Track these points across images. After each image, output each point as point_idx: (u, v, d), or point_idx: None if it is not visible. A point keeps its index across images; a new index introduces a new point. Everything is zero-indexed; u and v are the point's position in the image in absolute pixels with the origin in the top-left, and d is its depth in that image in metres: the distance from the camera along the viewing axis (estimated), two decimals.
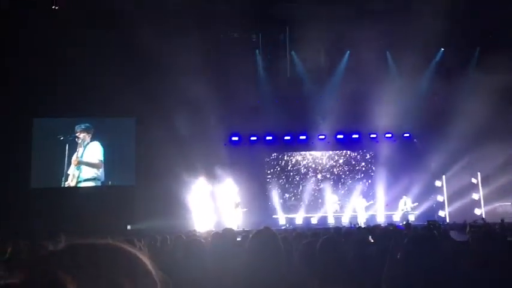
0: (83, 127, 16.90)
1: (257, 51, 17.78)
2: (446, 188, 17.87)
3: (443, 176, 17.90)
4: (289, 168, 18.90)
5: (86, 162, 16.85)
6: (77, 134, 16.81)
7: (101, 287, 0.77)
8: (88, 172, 16.87)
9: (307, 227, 14.58)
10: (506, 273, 2.89)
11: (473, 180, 17.85)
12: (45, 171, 16.62)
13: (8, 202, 14.52)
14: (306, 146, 18.57)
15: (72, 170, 16.71)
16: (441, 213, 17.81)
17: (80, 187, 16.64)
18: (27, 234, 8.45)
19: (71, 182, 16.64)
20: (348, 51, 17.82)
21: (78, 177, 16.74)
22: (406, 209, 16.99)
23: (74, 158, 16.74)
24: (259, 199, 17.49)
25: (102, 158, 16.89)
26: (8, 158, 15.26)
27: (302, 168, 18.93)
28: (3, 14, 14.61)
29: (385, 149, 18.03)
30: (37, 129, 16.82)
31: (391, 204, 17.53)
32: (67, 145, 16.69)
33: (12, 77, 15.30)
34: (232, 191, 16.63)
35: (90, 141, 16.94)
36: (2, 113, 15.15)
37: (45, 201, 15.26)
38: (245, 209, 16.30)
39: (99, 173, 16.92)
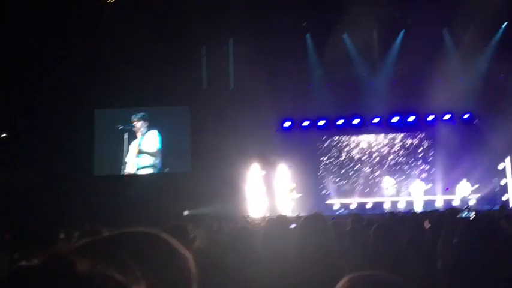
0: (139, 116, 17.48)
1: (307, 34, 17.54)
2: (511, 171, 16.97)
3: (507, 159, 17.00)
4: (342, 152, 18.65)
5: (145, 150, 17.46)
6: (134, 123, 17.42)
7: (131, 277, 0.78)
8: (146, 160, 17.48)
9: (362, 212, 14.39)
10: None
11: None
12: (106, 159, 17.41)
13: (73, 189, 15.33)
14: (360, 129, 18.21)
15: (131, 158, 17.37)
16: (504, 198, 16.97)
17: (138, 174, 17.29)
18: (90, 219, 8.88)
19: (130, 170, 17.34)
20: (403, 31, 17.19)
21: (137, 164, 17.40)
22: (466, 194, 16.30)
23: (134, 146, 17.39)
24: (312, 184, 17.44)
25: (159, 146, 17.43)
26: (72, 147, 16.09)
27: (356, 152, 18.63)
28: (73, 7, 15.20)
29: (443, 131, 17.34)
30: (98, 119, 17.62)
31: (451, 188, 16.89)
32: (126, 134, 17.35)
33: (75, 70, 16.03)
34: (286, 177, 16.68)
35: (148, 130, 17.52)
36: (66, 104, 15.94)
37: (107, 188, 15.99)
38: (300, 194, 16.31)
39: (157, 160, 17.49)
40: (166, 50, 15.03)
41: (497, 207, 14.77)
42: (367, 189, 17.96)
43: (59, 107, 15.92)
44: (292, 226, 5.17)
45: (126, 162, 17.34)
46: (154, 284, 0.80)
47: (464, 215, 10.17)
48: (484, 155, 16.67)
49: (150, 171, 17.46)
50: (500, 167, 17.21)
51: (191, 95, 15.82)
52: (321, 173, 18.16)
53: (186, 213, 15.51)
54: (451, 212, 4.10)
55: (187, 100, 16.81)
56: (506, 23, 16.78)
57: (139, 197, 15.00)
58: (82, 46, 15.75)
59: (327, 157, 18.55)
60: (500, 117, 16.05)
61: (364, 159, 18.46)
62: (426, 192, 16.95)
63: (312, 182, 17.48)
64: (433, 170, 17.70)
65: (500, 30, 16.95)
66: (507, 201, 16.72)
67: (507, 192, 16.99)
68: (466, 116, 17.57)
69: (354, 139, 18.69)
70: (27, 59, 15.49)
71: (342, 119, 17.99)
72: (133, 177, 17.14)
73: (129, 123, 17.43)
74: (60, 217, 11.58)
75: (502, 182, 17.14)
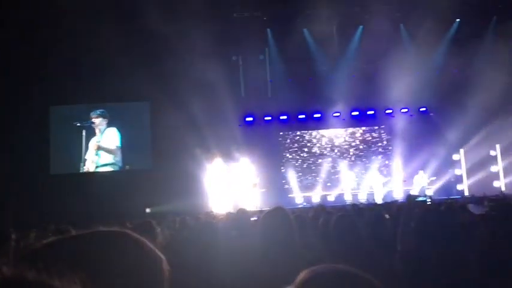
0: (98, 113, 17.10)
1: (268, 30, 17.59)
2: (465, 161, 17.67)
3: (461, 150, 17.69)
4: (304, 146, 18.86)
5: (104, 147, 17.09)
6: (92, 120, 17.01)
7: (103, 277, 0.76)
8: (106, 157, 17.13)
9: (323, 205, 14.59)
10: None
11: (492, 153, 17.59)
12: (63, 157, 16.92)
13: (29, 188, 14.84)
14: (321, 123, 18.47)
15: (90, 156, 16.97)
16: (459, 187, 17.66)
17: (98, 172, 16.93)
18: (49, 219, 8.63)
19: (89, 168, 16.94)
20: (361, 26, 17.52)
21: (97, 162, 17.02)
22: (423, 184, 16.85)
23: (92, 143, 17.00)
24: (275, 179, 17.57)
25: (119, 144, 17.12)
26: (27, 145, 15.56)
27: (318, 146, 18.89)
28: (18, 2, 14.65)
29: (401, 124, 17.84)
30: (54, 116, 17.10)
31: (409, 180, 17.41)
32: (84, 131, 16.93)
33: (28, 67, 15.47)
34: (248, 172, 16.72)
35: (107, 127, 17.16)
36: (20, 102, 15.38)
37: (65, 187, 15.57)
38: (263, 189, 16.39)
39: (117, 158, 17.17)
40: (125, 44, 14.69)
41: (453, 196, 15.36)
42: (329, 182, 18.25)
43: (13, 104, 15.34)
44: (253, 219, 5.19)
45: (86, 160, 16.93)
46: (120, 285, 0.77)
47: (421, 199, 10.51)
48: (439, 146, 17.31)
49: (109, 169, 17.12)
50: (455, 158, 17.88)
51: (151, 90, 15.57)
52: (284, 167, 18.31)
53: (148, 210, 15.30)
54: (409, 197, 4.22)
55: (147, 96, 16.54)
56: (459, 20, 17.39)
57: (100, 195, 14.68)
58: (37, 40, 15.20)
59: (289, 151, 18.71)
60: (454, 110, 16.70)
61: (325, 153, 18.74)
62: (385, 184, 17.41)
63: (275, 176, 17.61)
64: (391, 162, 18.18)
65: (454, 26, 17.55)
66: (462, 190, 17.40)
67: (462, 182, 17.67)
68: (423, 109, 18.14)
69: (315, 133, 18.93)
70: None
71: (303, 113, 18.18)
72: (92, 175, 16.76)
73: (88, 120, 17.01)
74: (17, 217, 11.20)
75: (457, 172, 17.82)
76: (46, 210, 13.11)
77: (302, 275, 0.89)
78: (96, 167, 17.02)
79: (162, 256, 0.89)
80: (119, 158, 17.18)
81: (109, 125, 17.19)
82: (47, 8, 14.68)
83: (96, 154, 17.03)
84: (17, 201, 14.03)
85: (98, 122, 17.09)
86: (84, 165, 16.92)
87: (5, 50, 14.89)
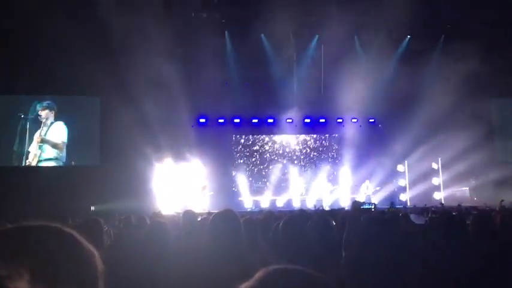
0: (45, 105, 16.46)
1: (226, 32, 17.58)
2: (408, 172, 18.36)
3: (406, 161, 18.37)
4: (256, 150, 18.96)
5: (49, 141, 16.45)
6: (39, 112, 16.34)
7: (36, 271, 0.73)
8: (50, 152, 16.49)
9: (273, 210, 14.70)
10: (459, 254, 3.01)
11: (434, 166, 18.39)
12: (4, 149, 16.14)
13: None
14: (274, 129, 18.65)
15: (33, 149, 16.29)
16: (402, 197, 18.32)
17: (41, 167, 16.26)
18: None
19: (32, 161, 16.24)
20: (317, 35, 17.85)
21: (40, 156, 16.35)
22: (368, 193, 17.36)
23: (36, 135, 16.32)
24: (225, 181, 17.53)
25: (65, 140, 16.57)
26: None
27: (269, 151, 19.04)
28: None
29: (350, 134, 18.32)
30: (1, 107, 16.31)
31: (355, 189, 17.88)
32: (28, 123, 16.23)
33: None
34: (198, 173, 16.58)
35: (54, 120, 16.53)
36: None
37: (5, 180, 14.84)
38: (211, 193, 16.31)
39: (62, 153, 16.57)
40: (79, 35, 14.21)
41: (396, 206, 15.92)
42: (278, 187, 18.42)
43: None
44: (199, 219, 5.16)
45: (29, 153, 16.24)
46: (52, 279, 0.74)
47: (366, 206, 10.85)
48: (386, 157, 17.91)
49: (53, 164, 16.48)
50: (400, 169, 18.55)
51: (103, 85, 15.15)
52: (234, 170, 18.31)
53: (93, 208, 14.84)
54: (354, 204, 4.33)
55: (99, 91, 16.08)
56: (409, 36, 18.10)
57: (42, 190, 14.10)
58: None
59: (240, 155, 18.75)
60: (401, 122, 17.34)
61: (276, 158, 18.92)
62: (333, 192, 17.80)
63: (225, 179, 17.57)
64: (339, 171, 18.59)
65: (404, 42, 18.24)
66: (405, 201, 18.06)
67: (405, 192, 18.35)
68: (371, 120, 18.71)
69: (268, 138, 19.08)
70: None
71: (256, 118, 18.28)
72: (35, 169, 16.07)
73: (34, 112, 16.32)
74: None
75: (401, 183, 18.49)
76: None
77: (256, 276, 0.89)
78: (39, 161, 16.34)
79: (95, 251, 0.86)
80: (63, 153, 16.58)
81: (56, 118, 16.57)
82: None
83: (40, 148, 16.35)
84: None
85: (45, 114, 16.45)
86: (27, 158, 16.21)
87: None
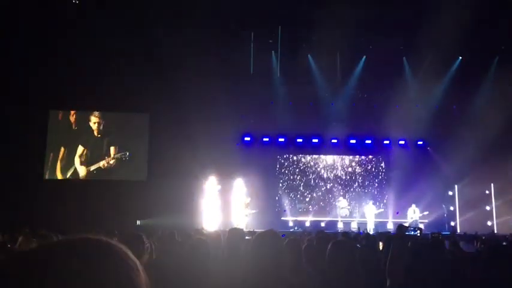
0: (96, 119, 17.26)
1: (273, 52, 17.76)
2: (459, 197, 17.67)
3: (456, 186, 17.71)
4: (300, 170, 18.86)
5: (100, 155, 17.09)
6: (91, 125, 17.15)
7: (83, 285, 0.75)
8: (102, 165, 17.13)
9: (316, 231, 14.50)
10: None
11: (487, 191, 17.62)
12: (59, 163, 16.88)
13: (22, 193, 14.72)
14: (318, 149, 18.51)
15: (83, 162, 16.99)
16: (452, 223, 17.62)
17: (90, 180, 16.84)
18: (38, 225, 8.56)
19: (81, 174, 16.92)
20: (365, 56, 17.72)
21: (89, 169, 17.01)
22: (415, 218, 16.80)
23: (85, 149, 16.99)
24: (269, 200, 17.49)
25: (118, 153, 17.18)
26: (25, 149, 15.52)
27: (313, 172, 18.88)
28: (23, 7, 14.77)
29: (398, 156, 17.88)
30: (52, 121, 17.11)
31: (402, 212, 17.36)
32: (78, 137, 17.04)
33: (32, 70, 15.50)
34: (242, 191, 16.66)
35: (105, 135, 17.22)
36: (21, 103, 15.33)
37: (58, 193, 15.45)
38: (254, 211, 16.32)
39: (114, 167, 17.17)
40: (130, 53, 14.79)
41: (444, 232, 15.33)
42: (322, 208, 18.19)
43: (12, 106, 15.30)
44: (247, 238, 5.16)
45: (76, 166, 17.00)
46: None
47: (411, 232, 10.49)
48: (434, 181, 17.30)
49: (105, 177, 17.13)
50: (450, 193, 17.88)
51: (151, 102, 15.64)
52: (278, 189, 18.26)
53: (138, 222, 15.18)
54: (399, 228, 4.20)
55: (147, 107, 16.58)
56: (460, 57, 17.62)
57: (92, 203, 14.61)
58: (41, 45, 15.29)
59: (284, 174, 18.69)
60: (451, 145, 16.74)
61: (320, 179, 18.72)
62: (378, 215, 17.35)
63: (268, 197, 17.54)
64: (385, 194, 18.15)
65: (455, 64, 17.76)
66: (455, 226, 17.36)
67: (455, 219, 17.64)
68: (420, 142, 18.21)
69: (312, 158, 18.95)
70: None
71: (301, 137, 18.23)
72: (84, 182, 16.68)
73: (85, 125, 17.11)
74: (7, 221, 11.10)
75: (451, 208, 17.80)
76: (36, 216, 12.96)
77: None
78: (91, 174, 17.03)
79: (137, 262, 0.86)
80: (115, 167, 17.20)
81: (107, 133, 17.30)
82: (54, 12, 14.81)
83: (88, 161, 17.10)
84: (9, 205, 13.89)
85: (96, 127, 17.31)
86: (76, 171, 16.97)
87: (5, 51, 14.97)
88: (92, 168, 16.93)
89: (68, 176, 16.77)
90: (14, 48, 15.13)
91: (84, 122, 17.13)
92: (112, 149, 17.10)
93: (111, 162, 17.02)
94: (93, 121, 17.13)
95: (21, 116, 15.48)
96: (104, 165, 16.99)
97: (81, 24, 14.67)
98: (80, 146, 16.95)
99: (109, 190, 15.99)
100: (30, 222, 10.17)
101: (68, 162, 16.87)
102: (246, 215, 16.18)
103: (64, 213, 13.54)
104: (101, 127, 17.16)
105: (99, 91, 15.99)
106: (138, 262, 0.86)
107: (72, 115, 17.15)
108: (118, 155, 16.99)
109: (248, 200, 16.41)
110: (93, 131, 17.12)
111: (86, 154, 16.97)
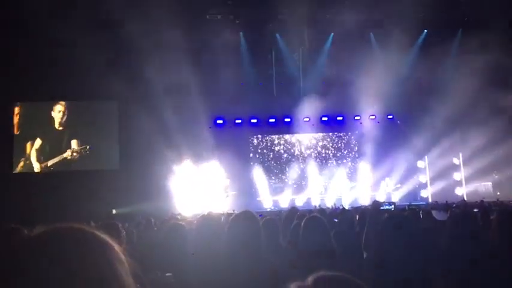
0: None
1: (241, 33, 17.61)
2: (429, 168, 18.12)
3: (426, 157, 18.14)
4: (274, 150, 18.95)
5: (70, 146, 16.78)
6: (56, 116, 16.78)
7: (70, 275, 0.77)
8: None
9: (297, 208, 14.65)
10: (479, 251, 2.96)
11: (455, 161, 18.12)
12: (29, 155, 16.49)
13: None
14: (291, 128, 18.59)
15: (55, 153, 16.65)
16: (423, 194, 18.10)
17: (63, 171, 16.53)
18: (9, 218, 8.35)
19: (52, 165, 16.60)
20: (332, 34, 17.76)
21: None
22: (388, 190, 17.20)
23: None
24: (244, 182, 17.54)
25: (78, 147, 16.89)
26: None
27: (287, 151, 19.00)
28: None
29: (369, 131, 18.15)
30: (19, 115, 16.66)
31: (375, 186, 17.72)
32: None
33: None
34: (217, 174, 16.65)
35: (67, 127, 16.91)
36: None
37: (30, 186, 15.12)
38: (234, 192, 16.37)
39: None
40: (95, 41, 14.39)
41: (416, 202, 15.75)
42: (297, 187, 18.37)
43: None
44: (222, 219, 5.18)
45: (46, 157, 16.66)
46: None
47: (385, 207, 10.73)
48: (405, 153, 17.67)
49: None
50: (420, 165, 18.32)
51: (119, 89, 15.35)
52: (253, 170, 18.30)
53: (114, 211, 15.03)
54: (374, 204, 4.29)
55: (115, 95, 16.25)
56: (426, 30, 17.85)
57: (64, 194, 14.36)
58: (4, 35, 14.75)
59: (258, 155, 18.75)
60: (420, 118, 17.10)
61: (294, 157, 18.87)
62: (352, 189, 17.67)
63: (243, 179, 17.58)
64: (358, 168, 18.45)
65: (421, 37, 17.99)
66: (426, 197, 17.84)
67: (426, 189, 18.12)
68: (390, 116, 18.50)
69: (285, 138, 19.05)
70: None
71: (273, 117, 18.26)
72: (57, 174, 16.36)
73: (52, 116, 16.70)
74: None
75: (422, 179, 18.25)
76: (7, 210, 12.64)
77: (309, 279, 0.90)
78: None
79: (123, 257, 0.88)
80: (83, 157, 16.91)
81: (75, 123, 16.95)
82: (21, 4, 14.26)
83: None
84: None
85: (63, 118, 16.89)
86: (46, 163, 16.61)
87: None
88: (50, 163, 16.57)
89: (22, 170, 16.39)
90: None
91: (44, 113, 16.70)
92: (73, 142, 16.75)
93: (74, 155, 16.69)
94: (58, 110, 16.70)
95: None
96: (67, 156, 16.66)
97: (41, 13, 14.13)
98: (37, 139, 16.54)
99: (82, 181, 15.74)
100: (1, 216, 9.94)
101: (39, 155, 16.50)
102: (227, 197, 16.24)
103: (37, 206, 13.27)
104: (65, 118, 16.77)
105: (62, 81, 15.55)
106: (120, 248, 0.88)
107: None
108: (78, 149, 16.64)
109: (227, 181, 16.45)
110: (54, 122, 16.70)
111: (43, 148, 16.57)
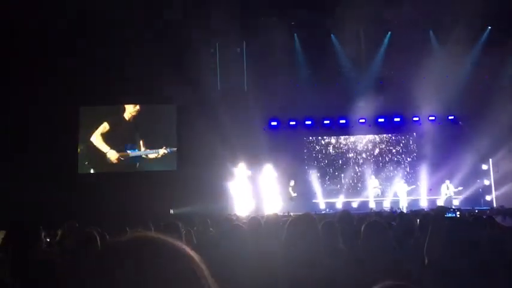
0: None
1: (295, 34, 17.58)
2: (494, 171, 17.24)
3: (490, 160, 17.27)
4: (329, 152, 18.75)
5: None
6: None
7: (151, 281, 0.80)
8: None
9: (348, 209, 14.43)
10: None
11: None
12: (92, 157, 17.28)
13: (57, 188, 15.08)
14: (346, 130, 18.33)
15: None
16: (488, 198, 17.24)
17: (122, 172, 17.18)
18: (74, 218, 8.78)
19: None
20: (390, 32, 17.34)
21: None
22: (450, 194, 16.51)
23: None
24: (299, 183, 17.46)
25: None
26: (57, 146, 15.88)
27: (342, 153, 18.74)
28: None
29: (428, 132, 17.52)
30: (84, 117, 17.48)
31: (435, 189, 17.07)
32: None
33: (59, 67, 15.77)
34: (272, 176, 16.71)
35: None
36: (51, 102, 15.63)
37: (93, 186, 15.82)
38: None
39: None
40: (156, 48, 14.88)
41: (479, 207, 15.05)
42: (353, 189, 18.08)
43: (42, 105, 15.63)
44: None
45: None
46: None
47: (449, 214, 10.30)
48: (468, 156, 16.90)
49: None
50: (484, 167, 17.47)
51: (177, 93, 15.76)
52: (308, 172, 18.20)
53: (172, 211, 15.45)
54: (437, 210, 4.14)
55: (175, 98, 16.71)
56: (490, 27, 17.02)
57: (124, 194, 14.92)
58: (66, 40, 15.52)
59: (313, 156, 18.62)
60: (484, 118, 16.28)
61: (350, 159, 18.58)
62: (410, 193, 17.13)
63: (299, 180, 17.51)
64: (417, 171, 17.87)
65: (485, 34, 17.18)
66: (491, 201, 16.98)
67: (491, 193, 17.25)
68: (451, 117, 17.78)
69: (341, 139, 18.80)
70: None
71: (328, 119, 18.07)
72: (118, 175, 17.03)
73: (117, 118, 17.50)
74: (45, 215, 11.44)
75: (486, 183, 17.40)
76: (72, 209, 13.29)
77: None
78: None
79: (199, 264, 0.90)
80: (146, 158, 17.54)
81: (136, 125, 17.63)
82: (78, 9, 14.95)
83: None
84: (46, 200, 14.27)
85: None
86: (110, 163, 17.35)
87: (41, 48, 15.27)
88: (132, 154, 17.26)
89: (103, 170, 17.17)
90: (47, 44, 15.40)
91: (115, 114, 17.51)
92: (141, 142, 17.37)
93: (159, 155, 17.31)
94: (129, 111, 17.43)
95: (53, 114, 15.78)
96: (157, 155, 17.30)
97: (106, 19, 14.74)
98: (105, 122, 17.29)
99: (140, 181, 16.29)
100: (65, 217, 10.45)
101: (102, 156, 17.27)
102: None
103: (97, 207, 13.86)
104: (132, 119, 17.49)
105: (123, 85, 16.17)
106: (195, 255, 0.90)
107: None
108: (165, 151, 17.26)
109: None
110: (122, 123, 17.44)
111: (110, 133, 17.26)
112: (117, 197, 14.99)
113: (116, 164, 17.22)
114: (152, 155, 17.26)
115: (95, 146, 17.22)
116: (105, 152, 17.17)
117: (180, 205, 15.27)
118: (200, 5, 14.78)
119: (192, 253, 0.90)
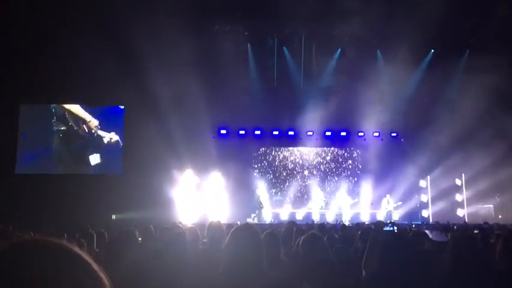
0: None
1: (248, 45, 17.72)
2: (431, 188, 18.05)
3: (428, 177, 18.08)
4: (276, 163, 18.93)
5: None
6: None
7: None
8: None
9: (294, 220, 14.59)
10: (480, 274, 2.95)
11: (458, 182, 18.05)
12: (31, 157, 16.54)
13: None
14: (294, 141, 18.59)
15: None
16: (424, 213, 18.01)
17: (64, 174, 16.57)
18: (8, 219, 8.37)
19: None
20: (339, 49, 17.85)
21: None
22: (389, 208, 17.12)
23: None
24: (245, 193, 17.48)
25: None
26: None
27: (289, 164, 18.98)
28: None
29: (372, 148, 18.13)
30: (24, 115, 16.73)
31: (376, 203, 17.65)
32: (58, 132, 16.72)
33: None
34: (219, 184, 16.64)
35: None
36: None
37: (30, 187, 15.14)
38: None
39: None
40: (105, 50, 14.53)
41: (417, 222, 15.68)
42: (298, 200, 18.31)
43: None
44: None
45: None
46: None
47: (387, 228, 10.65)
48: (407, 172, 17.64)
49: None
50: (422, 184, 18.26)
51: (126, 96, 15.43)
52: (254, 182, 18.25)
53: (113, 217, 15.01)
54: (376, 224, 4.28)
55: (122, 100, 16.36)
56: (433, 50, 17.91)
57: (65, 197, 14.40)
58: (12, 37, 14.86)
59: (261, 166, 18.72)
60: (423, 137, 17.09)
61: (296, 171, 18.85)
62: (353, 206, 17.60)
63: (244, 190, 17.53)
64: (360, 184, 18.39)
65: (428, 57, 18.04)
66: (428, 217, 17.74)
67: (427, 208, 18.03)
68: (394, 134, 18.48)
69: (288, 150, 19.04)
70: None
71: (277, 130, 18.26)
72: (58, 176, 16.40)
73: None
74: None
75: (423, 199, 18.18)
76: (6, 210, 12.64)
77: None
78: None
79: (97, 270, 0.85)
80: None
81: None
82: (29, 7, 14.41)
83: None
84: None
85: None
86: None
87: None
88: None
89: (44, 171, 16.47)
90: None
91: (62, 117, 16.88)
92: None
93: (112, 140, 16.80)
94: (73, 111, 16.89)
95: None
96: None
97: (51, 17, 14.27)
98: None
99: (83, 184, 15.76)
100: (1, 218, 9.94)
101: (43, 157, 16.55)
102: (223, 208, 16.26)
103: (37, 209, 13.27)
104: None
105: (71, 85, 15.67)
106: (92, 263, 0.85)
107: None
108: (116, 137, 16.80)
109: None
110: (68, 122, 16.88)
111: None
112: (57, 200, 14.43)
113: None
114: (95, 160, 16.77)
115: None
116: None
117: (123, 210, 14.87)
118: (152, 5, 14.61)
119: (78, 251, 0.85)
